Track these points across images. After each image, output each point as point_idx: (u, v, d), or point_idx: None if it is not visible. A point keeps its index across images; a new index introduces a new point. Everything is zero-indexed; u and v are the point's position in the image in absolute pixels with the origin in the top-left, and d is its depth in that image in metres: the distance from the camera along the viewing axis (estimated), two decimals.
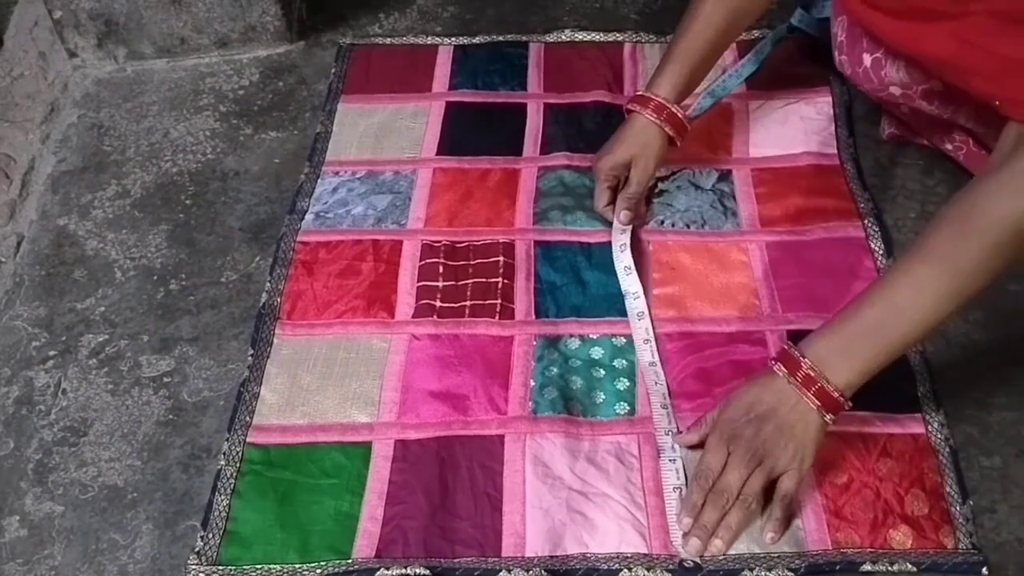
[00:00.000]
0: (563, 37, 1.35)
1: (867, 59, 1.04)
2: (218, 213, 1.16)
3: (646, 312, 1.00)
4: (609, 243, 1.06)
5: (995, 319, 0.99)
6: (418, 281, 1.05)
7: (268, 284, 1.05)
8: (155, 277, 1.09)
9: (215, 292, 1.07)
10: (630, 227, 1.07)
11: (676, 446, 0.89)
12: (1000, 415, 0.92)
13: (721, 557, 0.81)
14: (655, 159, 1.07)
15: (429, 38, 1.36)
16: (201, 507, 0.88)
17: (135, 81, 1.35)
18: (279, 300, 1.04)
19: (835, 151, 1.15)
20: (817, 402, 0.81)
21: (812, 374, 0.81)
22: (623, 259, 1.04)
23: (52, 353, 1.02)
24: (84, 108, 1.31)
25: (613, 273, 1.04)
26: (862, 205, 1.09)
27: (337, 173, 1.18)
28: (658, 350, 0.97)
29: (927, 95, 1.01)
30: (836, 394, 0.81)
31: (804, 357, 0.81)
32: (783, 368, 0.82)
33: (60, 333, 1.04)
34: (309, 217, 1.13)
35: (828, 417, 0.81)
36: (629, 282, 1.02)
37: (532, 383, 0.95)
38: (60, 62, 1.37)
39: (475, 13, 1.42)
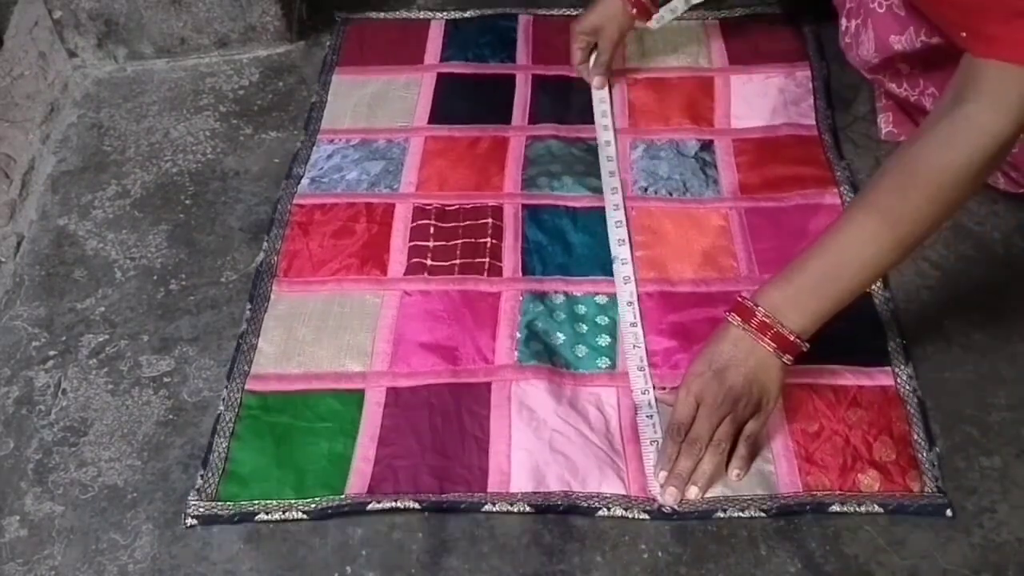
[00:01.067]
0: (553, 12, 1.39)
1: (847, 25, 1.08)
2: (218, 213, 1.16)
3: (632, 277, 1.04)
4: (595, 208, 1.11)
5: (995, 319, 0.99)
6: (410, 241, 1.08)
7: (265, 244, 1.09)
8: (155, 277, 1.09)
9: (215, 292, 1.07)
10: (621, 208, 1.11)
11: (652, 403, 0.92)
12: (1000, 415, 0.92)
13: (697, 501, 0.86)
14: (618, 31, 1.22)
15: (421, 12, 1.40)
16: None
17: (135, 81, 1.35)
18: (276, 259, 1.08)
19: (813, 122, 1.20)
20: (773, 344, 0.84)
21: (767, 320, 0.84)
22: (618, 233, 1.08)
23: (52, 353, 1.02)
24: (84, 108, 1.31)
25: (597, 236, 1.08)
26: (839, 173, 1.12)
27: (332, 141, 1.22)
28: (640, 311, 1.00)
29: (895, 76, 1.06)
30: (792, 337, 0.84)
31: (758, 306, 0.85)
32: (737, 317, 0.86)
33: (60, 333, 1.04)
34: (305, 182, 1.16)
35: (785, 358, 0.85)
36: (621, 251, 1.06)
37: (518, 335, 0.99)
38: (60, 62, 1.37)
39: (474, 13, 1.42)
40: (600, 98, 1.21)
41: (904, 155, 0.84)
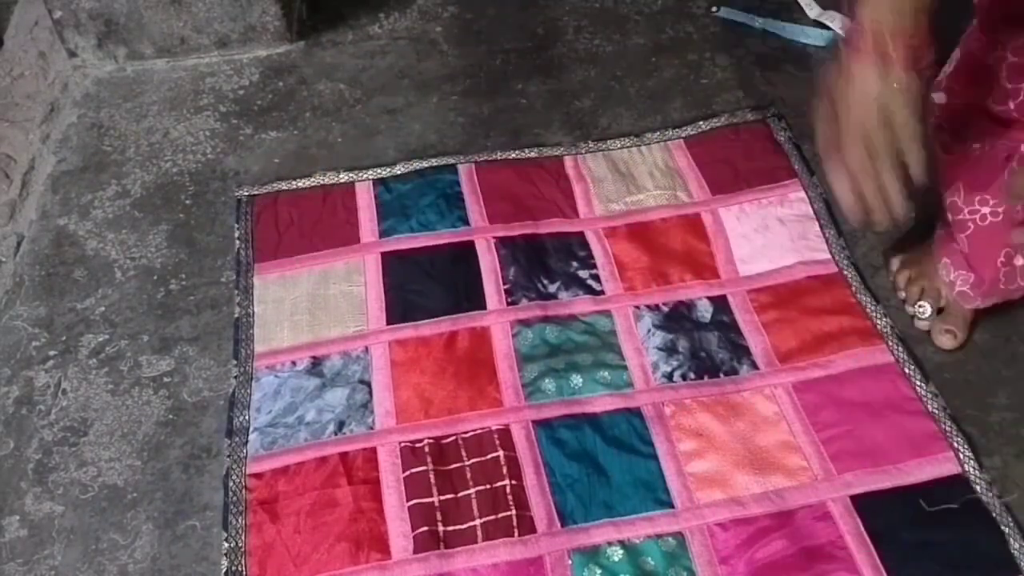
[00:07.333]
0: (496, 156, 1.19)
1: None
2: (218, 213, 1.16)
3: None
4: (620, 411, 0.93)
5: (995, 319, 0.99)
6: (408, 500, 0.87)
7: (226, 544, 0.86)
8: (155, 277, 1.09)
9: (215, 292, 1.07)
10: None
11: None
12: (1000, 415, 0.92)
13: None
14: None
15: (342, 175, 1.18)
16: (201, 507, 0.89)
17: (135, 81, 1.35)
18: (244, 563, 0.84)
19: (828, 256, 1.06)
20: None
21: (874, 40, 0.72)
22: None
23: (52, 353, 1.02)
24: (84, 108, 1.31)
25: (632, 449, 0.90)
26: (879, 322, 0.99)
27: (272, 368, 0.98)
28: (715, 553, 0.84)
29: None
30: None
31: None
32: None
33: (60, 333, 1.04)
34: (253, 437, 0.93)
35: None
36: None
37: None
38: (60, 62, 1.37)
39: (475, 13, 1.42)
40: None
41: None
